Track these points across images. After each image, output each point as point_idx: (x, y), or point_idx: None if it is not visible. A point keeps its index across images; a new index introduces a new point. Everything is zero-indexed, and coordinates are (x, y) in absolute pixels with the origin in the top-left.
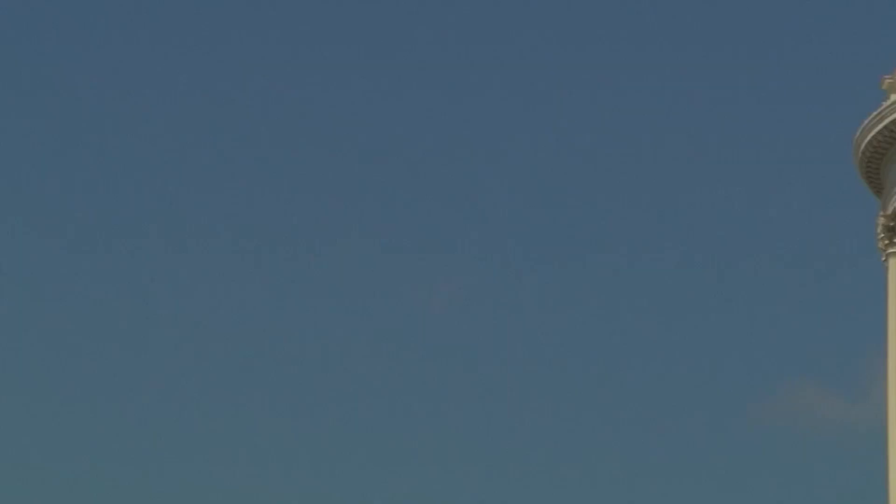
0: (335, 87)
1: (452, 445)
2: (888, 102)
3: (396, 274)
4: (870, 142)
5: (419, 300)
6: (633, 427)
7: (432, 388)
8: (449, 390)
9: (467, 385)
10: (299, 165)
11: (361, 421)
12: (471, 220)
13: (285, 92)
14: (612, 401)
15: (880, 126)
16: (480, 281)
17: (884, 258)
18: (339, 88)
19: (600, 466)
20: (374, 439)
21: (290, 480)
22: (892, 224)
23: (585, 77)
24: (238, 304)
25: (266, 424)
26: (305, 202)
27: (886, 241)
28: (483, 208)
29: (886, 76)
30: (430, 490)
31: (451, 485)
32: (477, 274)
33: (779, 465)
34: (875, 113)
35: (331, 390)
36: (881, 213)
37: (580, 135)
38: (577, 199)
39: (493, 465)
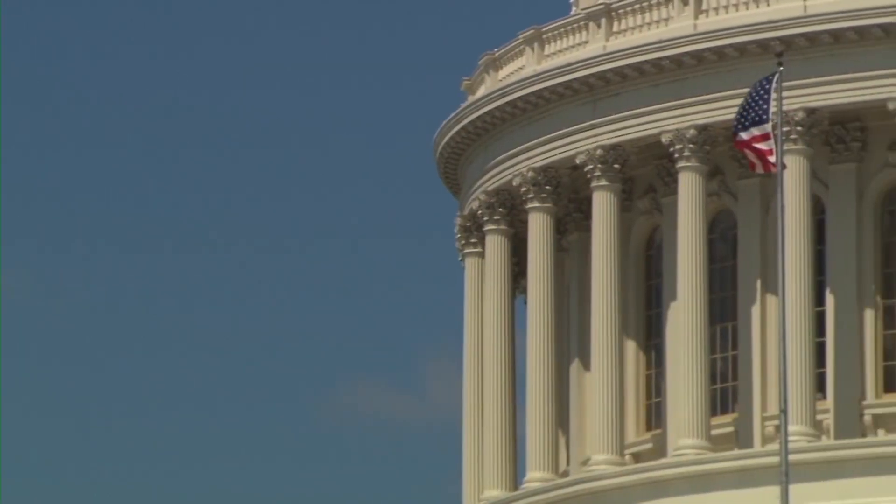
0: None
1: None
2: (466, 103)
3: None
4: (448, 142)
5: None
6: (187, 418)
7: None
8: None
9: None
10: None
11: None
12: None
13: None
14: (156, 395)
15: (458, 127)
16: None
17: (461, 258)
18: None
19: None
20: None
21: None
22: (468, 224)
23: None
24: None
25: None
26: None
27: (464, 242)
28: None
29: (466, 78)
30: None
31: None
32: None
33: (342, 462)
34: (454, 114)
35: None
36: (459, 213)
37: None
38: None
39: None
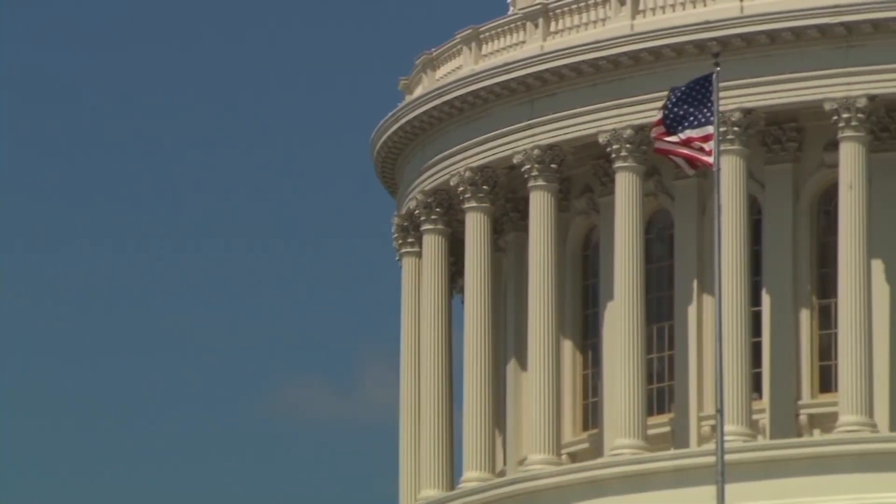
0: None
1: None
2: (403, 103)
3: None
4: (385, 142)
5: None
6: (124, 419)
7: None
8: None
9: None
10: None
11: None
12: None
13: None
14: (109, 399)
15: (395, 127)
16: None
17: (398, 258)
18: None
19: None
20: None
21: None
22: (406, 224)
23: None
24: None
25: None
26: None
27: (401, 241)
28: None
29: (403, 77)
30: None
31: None
32: None
33: (279, 461)
34: (391, 113)
35: None
36: (396, 213)
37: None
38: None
39: None
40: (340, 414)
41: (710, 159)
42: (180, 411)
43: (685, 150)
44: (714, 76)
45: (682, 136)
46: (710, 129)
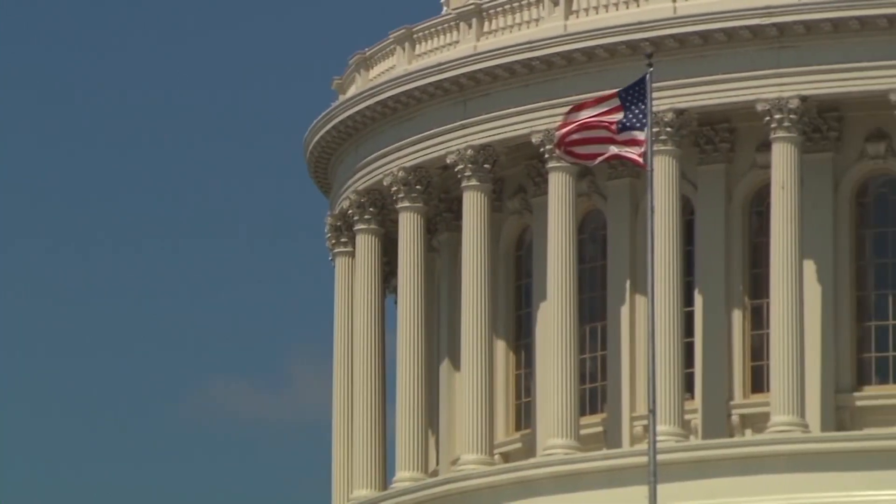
0: None
1: None
2: (337, 103)
3: None
4: (318, 141)
5: None
6: (51, 416)
7: None
8: None
9: None
10: None
11: None
12: None
13: None
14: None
15: (329, 126)
16: None
17: (332, 258)
18: None
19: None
20: None
21: None
22: (339, 224)
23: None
24: None
25: None
26: None
27: (334, 241)
28: None
29: (337, 77)
30: None
31: None
32: None
33: (211, 461)
34: (324, 113)
35: None
36: (329, 212)
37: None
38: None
39: None
40: (270, 413)
41: (637, 156)
42: (116, 408)
43: (615, 150)
44: (647, 77)
45: (622, 137)
46: (641, 135)
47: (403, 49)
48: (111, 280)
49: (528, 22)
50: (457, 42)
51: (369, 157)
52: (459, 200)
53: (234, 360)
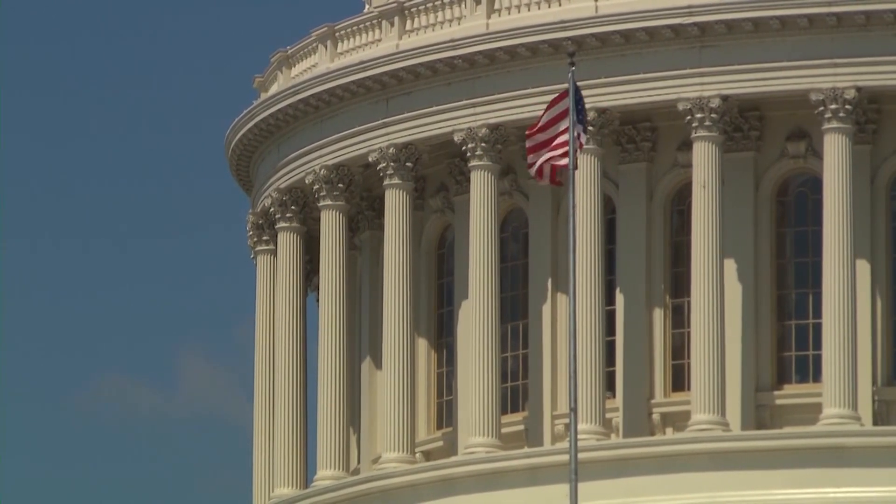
0: None
1: None
2: (258, 101)
3: None
4: (240, 140)
5: None
6: None
7: None
8: None
9: None
10: None
11: None
12: None
13: None
14: None
15: (250, 125)
16: None
17: (253, 256)
18: None
19: None
20: None
21: None
22: (260, 222)
23: None
24: None
25: None
26: None
27: (256, 239)
28: None
29: (258, 75)
30: None
31: None
32: None
33: (132, 459)
34: (245, 111)
35: None
36: (251, 211)
37: None
38: None
39: None
40: (190, 411)
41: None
42: (26, 403)
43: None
44: (570, 75)
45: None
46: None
47: (325, 47)
48: (34, 274)
49: (450, 20)
50: (379, 40)
51: (291, 156)
52: (381, 199)
53: (127, 357)
